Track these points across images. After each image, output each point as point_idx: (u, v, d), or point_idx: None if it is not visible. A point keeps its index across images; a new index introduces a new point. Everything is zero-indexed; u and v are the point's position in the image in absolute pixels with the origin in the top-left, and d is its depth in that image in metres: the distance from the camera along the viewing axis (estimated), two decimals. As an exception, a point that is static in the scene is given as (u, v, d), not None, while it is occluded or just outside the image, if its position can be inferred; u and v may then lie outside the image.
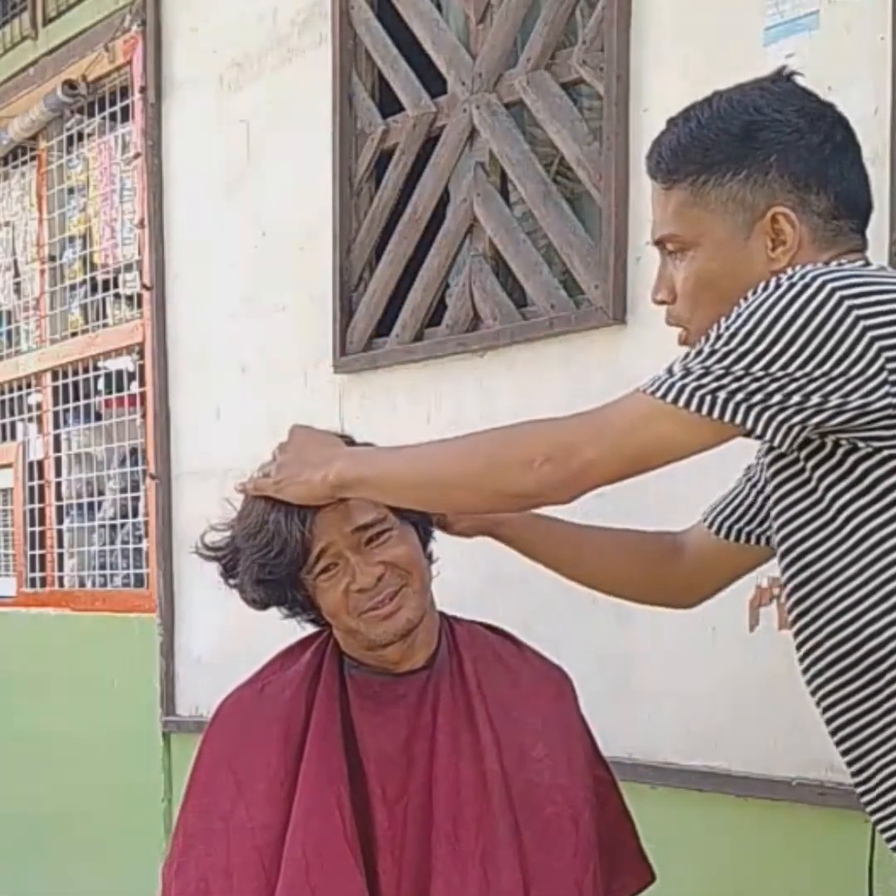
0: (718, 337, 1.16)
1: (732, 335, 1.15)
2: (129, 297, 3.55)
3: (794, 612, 1.27)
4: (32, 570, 3.88)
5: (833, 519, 1.20)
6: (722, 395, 1.15)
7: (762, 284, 1.18)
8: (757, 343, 1.14)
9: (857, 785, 1.26)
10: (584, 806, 1.54)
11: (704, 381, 1.15)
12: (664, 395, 1.17)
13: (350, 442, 1.51)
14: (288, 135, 2.79)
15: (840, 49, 1.81)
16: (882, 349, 1.13)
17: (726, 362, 1.15)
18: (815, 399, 1.14)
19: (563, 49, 2.24)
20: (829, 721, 1.27)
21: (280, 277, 2.81)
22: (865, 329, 1.12)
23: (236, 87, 2.93)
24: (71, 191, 3.76)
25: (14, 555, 3.99)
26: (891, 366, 1.13)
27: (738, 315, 1.16)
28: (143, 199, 3.24)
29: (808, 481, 1.22)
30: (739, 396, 1.14)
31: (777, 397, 1.14)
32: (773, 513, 1.27)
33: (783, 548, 1.26)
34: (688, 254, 1.27)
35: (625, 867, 1.62)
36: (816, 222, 1.25)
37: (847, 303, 1.13)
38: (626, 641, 2.13)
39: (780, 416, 1.15)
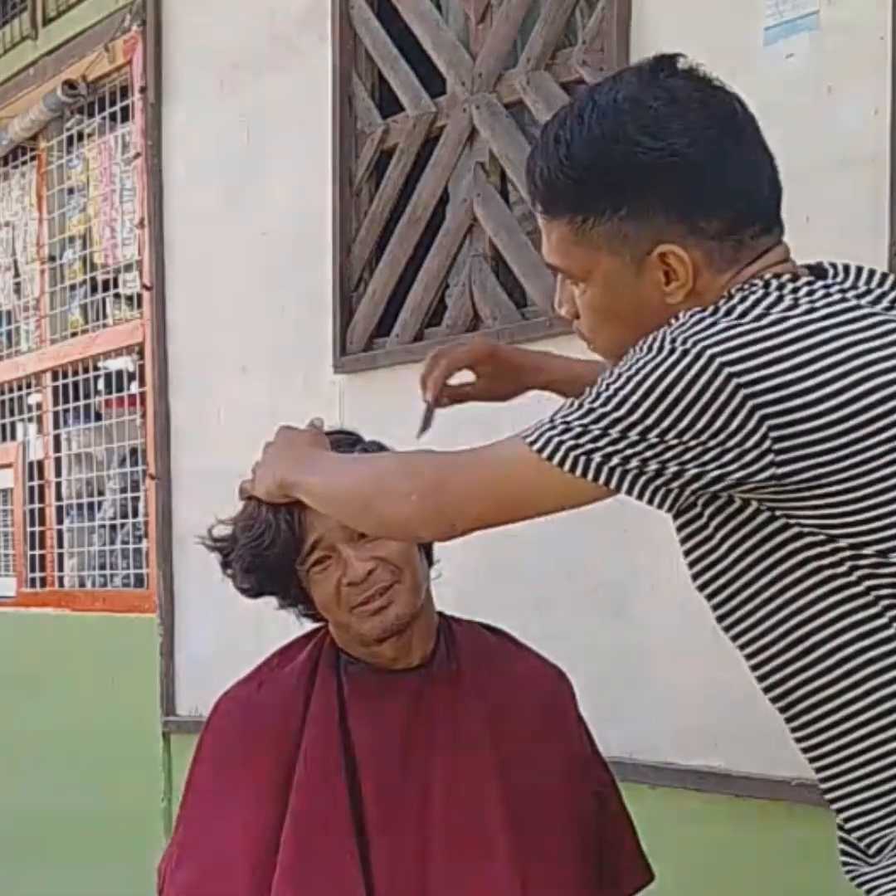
0: (598, 395, 1.11)
1: (611, 397, 1.10)
2: (129, 298, 3.55)
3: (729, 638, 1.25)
4: (32, 570, 3.89)
5: (730, 568, 1.17)
6: (596, 457, 1.10)
7: (647, 343, 1.11)
8: (633, 410, 1.09)
9: None
10: (580, 806, 1.55)
11: (581, 440, 1.11)
12: (541, 449, 1.12)
13: (355, 441, 1.50)
14: (288, 135, 2.79)
15: (840, 49, 1.81)
16: (765, 418, 1.06)
17: (603, 423, 1.10)
18: (692, 469, 1.09)
19: (563, 49, 2.24)
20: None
21: (280, 277, 2.81)
22: (747, 398, 1.06)
23: (236, 88, 2.93)
24: (71, 191, 3.76)
25: (14, 555, 3.99)
26: (774, 434, 1.07)
27: (619, 375, 1.11)
28: (143, 199, 3.24)
29: (705, 527, 1.18)
30: (615, 461, 1.10)
31: (653, 465, 1.10)
32: (682, 551, 1.23)
33: (695, 585, 1.23)
34: (580, 284, 1.21)
35: (624, 867, 1.62)
36: (711, 245, 1.15)
37: (727, 370, 1.06)
38: (625, 640, 2.14)
39: (656, 483, 1.11)
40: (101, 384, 3.68)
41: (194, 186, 3.09)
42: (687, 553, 1.21)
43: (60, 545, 3.79)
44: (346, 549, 1.46)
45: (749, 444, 1.08)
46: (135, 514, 3.52)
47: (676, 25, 2.04)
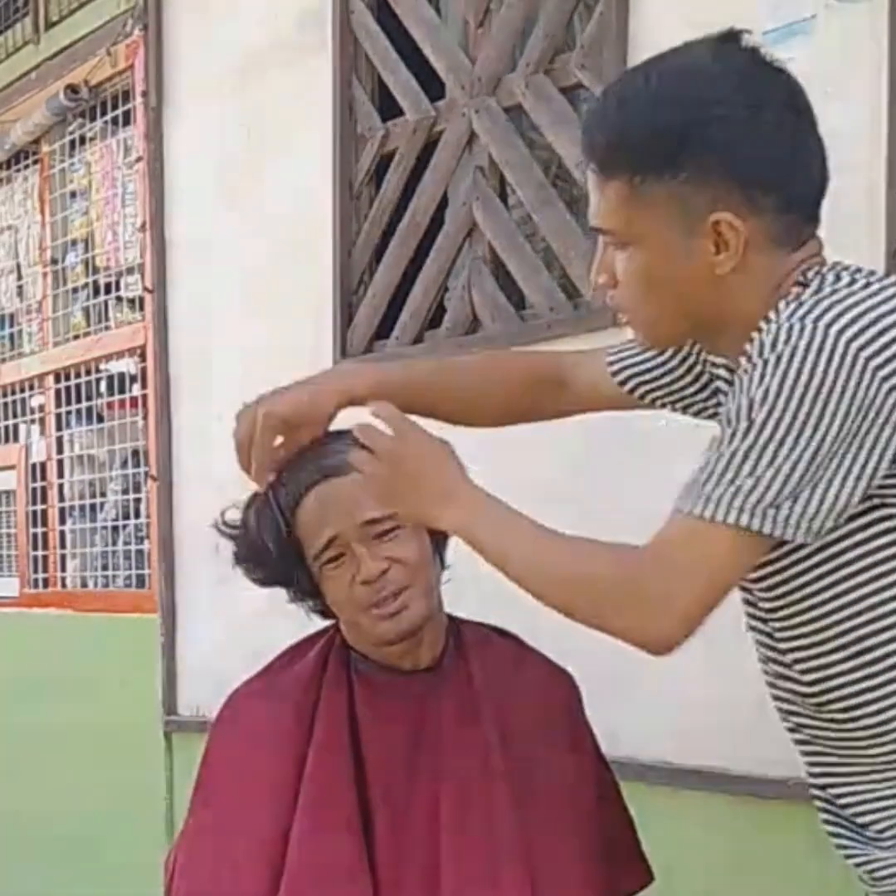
0: (747, 433, 1.08)
1: (761, 428, 1.07)
2: (131, 300, 3.56)
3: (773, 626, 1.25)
4: (35, 571, 3.90)
5: (816, 553, 1.16)
6: (783, 508, 1.07)
7: (769, 350, 1.08)
8: (788, 431, 1.06)
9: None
10: (588, 806, 1.55)
11: (759, 494, 1.07)
12: (735, 521, 1.08)
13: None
14: (288, 139, 2.80)
15: (838, 53, 1.82)
16: (892, 389, 1.08)
17: (766, 461, 1.07)
18: (856, 472, 1.08)
19: (561, 53, 2.25)
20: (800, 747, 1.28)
21: (281, 280, 2.82)
22: (882, 380, 1.07)
23: (237, 92, 2.94)
24: (73, 194, 3.78)
25: (17, 556, 4.00)
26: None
27: (764, 399, 1.07)
28: (145, 202, 3.25)
29: None
30: (797, 509, 1.07)
31: (819, 491, 1.07)
32: None
33: (764, 575, 1.21)
34: (627, 248, 1.19)
35: (624, 868, 1.62)
36: (766, 219, 1.16)
37: (862, 354, 1.06)
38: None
39: (826, 508, 1.08)
40: (103, 386, 3.69)
41: (196, 190, 3.10)
42: (778, 563, 1.18)
43: (63, 546, 3.80)
44: (361, 548, 1.45)
45: (889, 420, 1.08)
46: (136, 516, 3.53)
47: (674, 30, 2.04)
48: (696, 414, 1.40)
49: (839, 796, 1.24)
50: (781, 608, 1.21)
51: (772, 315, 1.13)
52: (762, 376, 1.08)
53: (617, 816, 1.62)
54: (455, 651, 1.56)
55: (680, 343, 1.30)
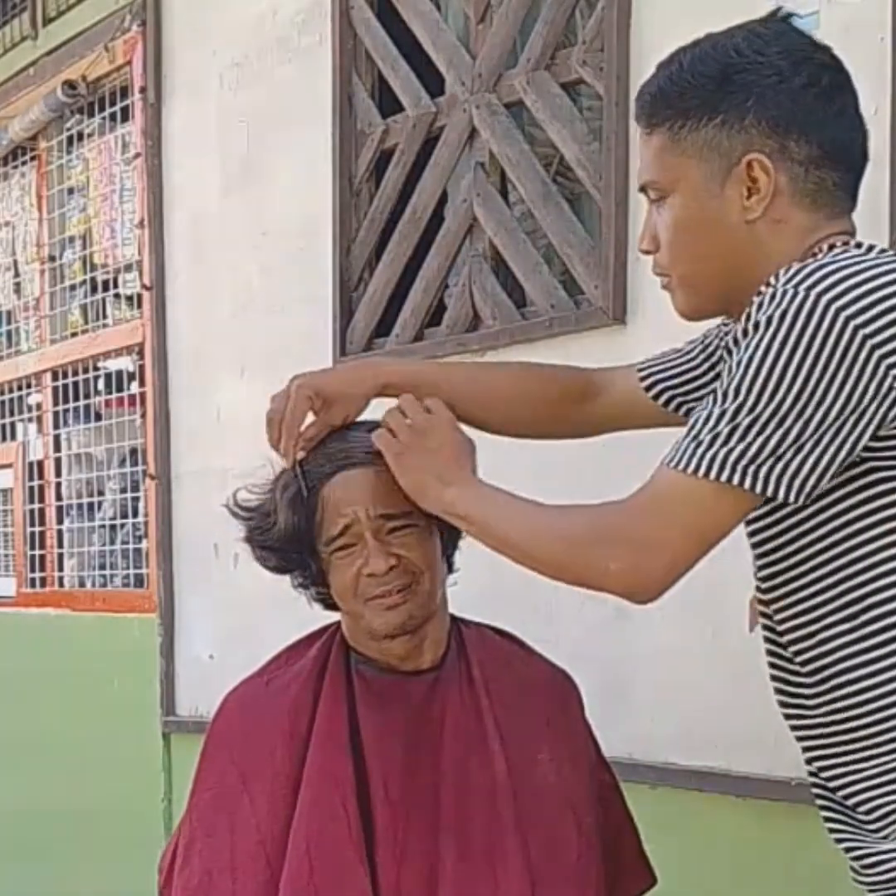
0: (736, 393, 1.11)
1: (750, 389, 1.10)
2: (129, 298, 3.56)
3: (764, 610, 1.27)
4: (32, 570, 3.89)
5: (809, 517, 1.19)
6: (762, 467, 1.10)
7: (762, 312, 1.11)
8: (781, 399, 1.09)
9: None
10: (588, 809, 1.54)
11: (740, 449, 1.10)
12: (707, 473, 1.12)
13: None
14: (288, 135, 2.79)
15: (840, 49, 1.78)
16: (889, 368, 1.09)
17: (748, 420, 1.10)
18: (851, 437, 1.10)
19: (563, 49, 2.25)
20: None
21: (280, 277, 2.81)
22: (872, 349, 1.09)
23: (236, 88, 2.93)
24: (71, 191, 3.77)
25: (14, 555, 3.99)
26: (894, 372, 1.10)
27: (750, 363, 1.10)
28: (143, 199, 3.24)
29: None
30: (778, 468, 1.10)
31: (813, 455, 1.10)
32: (763, 525, 1.24)
33: (755, 540, 1.25)
34: (667, 201, 1.24)
35: (627, 870, 1.62)
36: (796, 171, 1.20)
37: (852, 324, 1.08)
38: (625, 642, 2.14)
39: (816, 474, 1.11)
40: (100, 384, 3.68)
41: (194, 186, 3.09)
42: (775, 524, 1.21)
43: (60, 545, 3.79)
44: (372, 541, 1.45)
45: (881, 393, 1.10)
46: (135, 514, 3.52)
47: (676, 25, 2.03)
48: None
49: (830, 779, 1.24)
50: (778, 574, 1.22)
51: (772, 279, 1.15)
52: (753, 340, 1.11)
53: (618, 818, 1.62)
54: (456, 652, 1.56)
55: (716, 308, 1.29)
